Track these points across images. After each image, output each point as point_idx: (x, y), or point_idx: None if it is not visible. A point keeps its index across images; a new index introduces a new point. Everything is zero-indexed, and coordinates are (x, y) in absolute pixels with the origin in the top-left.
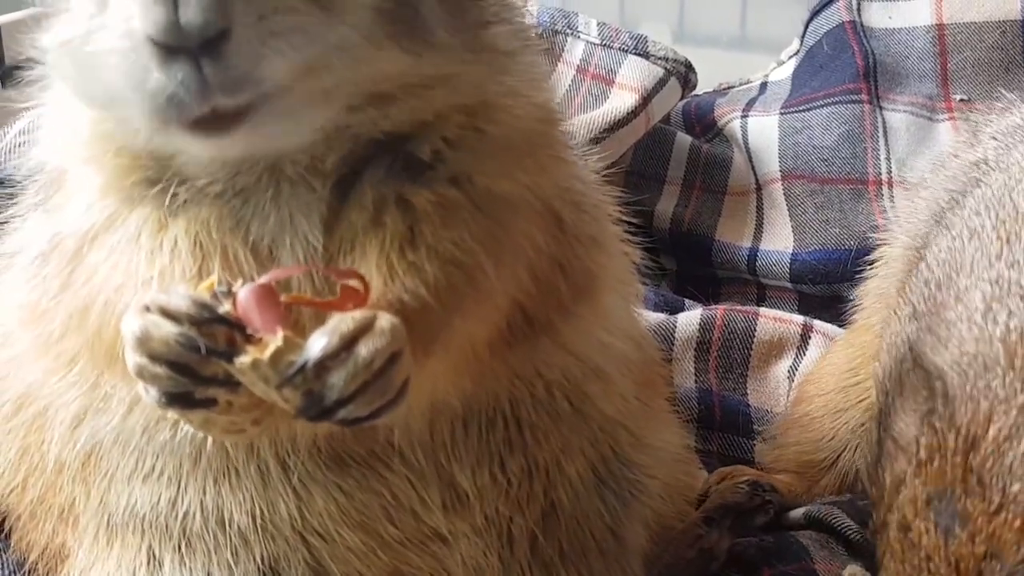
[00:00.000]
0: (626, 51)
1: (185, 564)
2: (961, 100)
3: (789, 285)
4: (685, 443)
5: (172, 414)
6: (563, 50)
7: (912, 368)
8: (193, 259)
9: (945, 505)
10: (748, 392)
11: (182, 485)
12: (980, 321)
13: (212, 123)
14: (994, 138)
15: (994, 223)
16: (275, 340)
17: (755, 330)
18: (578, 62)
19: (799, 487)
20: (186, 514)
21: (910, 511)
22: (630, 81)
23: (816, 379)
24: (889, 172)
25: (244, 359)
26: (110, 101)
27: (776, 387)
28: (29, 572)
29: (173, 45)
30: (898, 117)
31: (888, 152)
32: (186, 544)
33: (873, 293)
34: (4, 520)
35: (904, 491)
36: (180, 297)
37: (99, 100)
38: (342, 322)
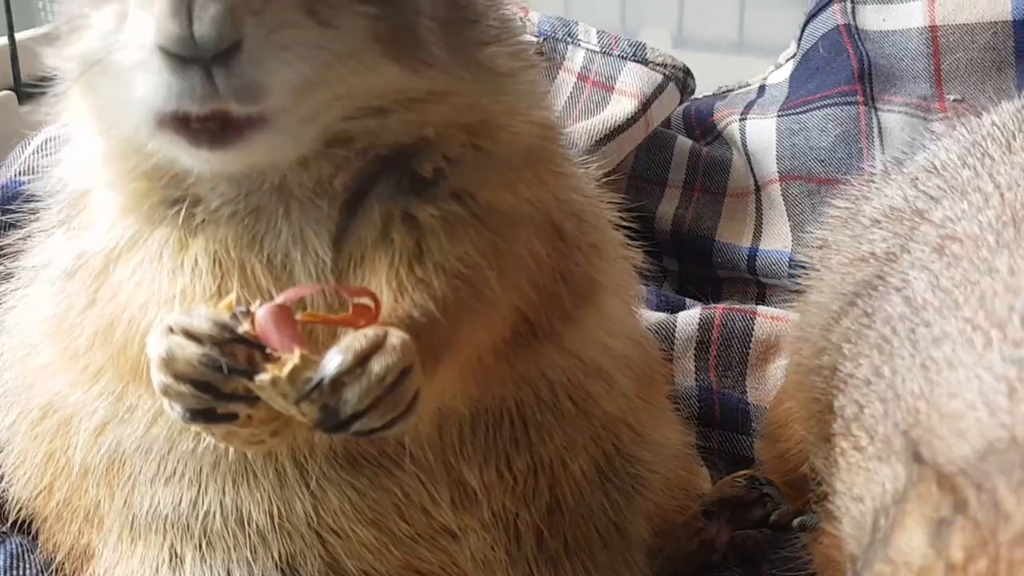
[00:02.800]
0: (625, 58)
1: (206, 562)
2: (955, 100)
3: (788, 284)
4: (685, 439)
5: (195, 428)
6: (564, 58)
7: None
8: (212, 277)
9: None
10: (747, 390)
11: (203, 487)
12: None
13: (212, 136)
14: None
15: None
16: (292, 358)
17: (753, 329)
18: (579, 70)
19: (793, 496)
20: (207, 514)
21: None
22: (629, 87)
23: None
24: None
25: (264, 377)
26: (122, 115)
27: (775, 385)
28: (56, 571)
29: (188, 56)
30: (893, 118)
31: (883, 152)
32: (207, 543)
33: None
34: (32, 521)
35: None
36: (202, 319)
37: (112, 115)
38: (355, 340)
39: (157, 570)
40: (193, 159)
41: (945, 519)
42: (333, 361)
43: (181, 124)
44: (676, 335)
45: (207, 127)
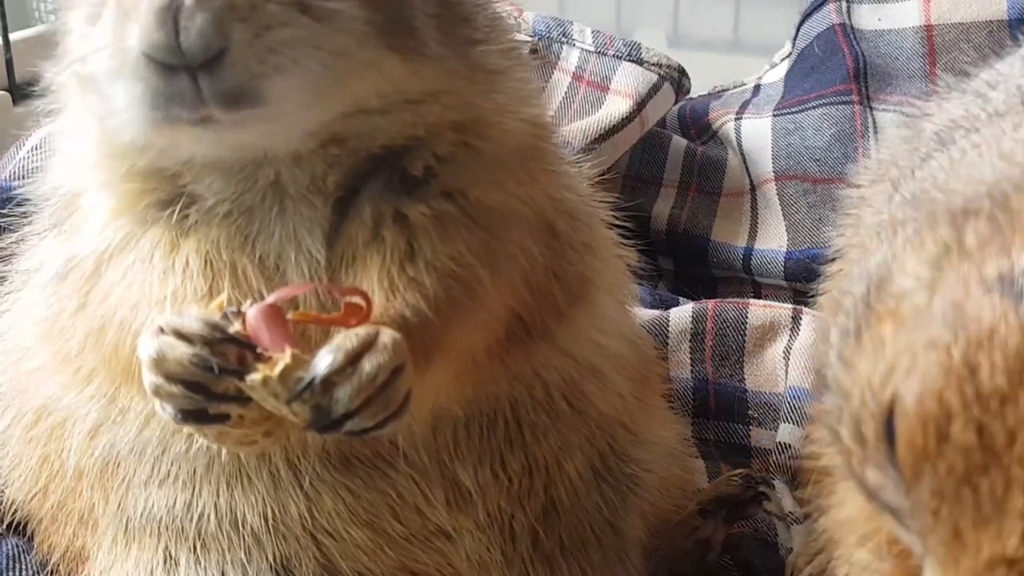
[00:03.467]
0: (620, 58)
1: (200, 564)
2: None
3: (784, 283)
4: (681, 438)
5: (187, 428)
6: (559, 58)
7: None
8: (204, 279)
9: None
10: (745, 377)
11: (196, 489)
12: None
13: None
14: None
15: None
16: (284, 358)
17: (747, 316)
18: (573, 69)
19: None
20: (201, 516)
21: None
22: (624, 87)
23: None
24: None
25: (255, 377)
26: (115, 120)
27: (774, 369)
28: (52, 573)
29: (174, 64)
30: (888, 117)
31: (879, 152)
32: (201, 545)
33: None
34: (27, 524)
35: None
36: (193, 319)
37: (104, 119)
38: (347, 339)
39: (152, 572)
40: (184, 140)
41: (958, 223)
42: (324, 360)
43: (169, 117)
44: (670, 329)
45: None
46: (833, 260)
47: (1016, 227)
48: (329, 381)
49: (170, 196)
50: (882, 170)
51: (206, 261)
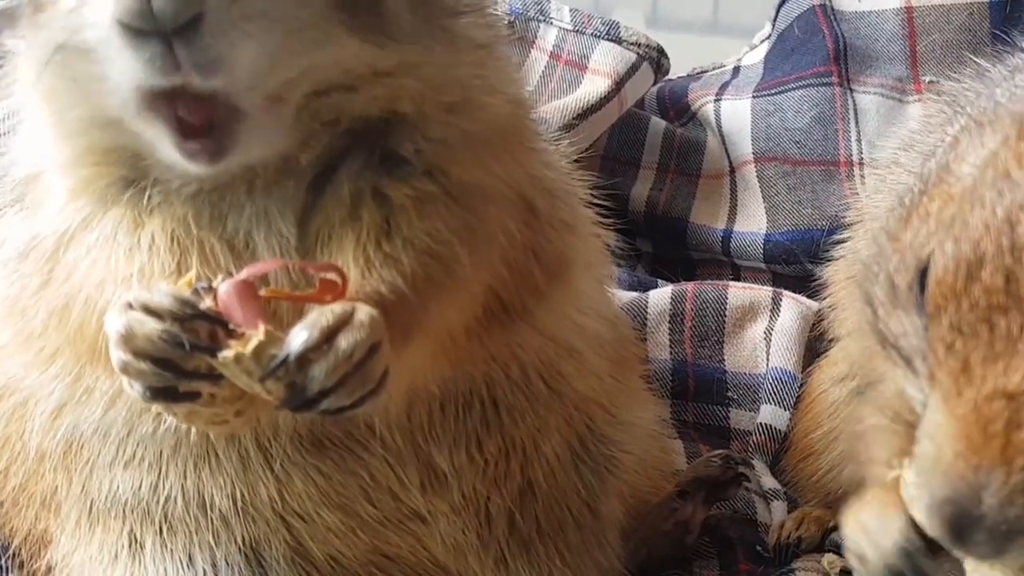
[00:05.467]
0: (598, 37)
1: (167, 547)
2: (930, 82)
3: (763, 266)
4: (660, 419)
5: (157, 407)
6: (536, 36)
7: None
8: (171, 255)
9: None
10: (725, 358)
11: (163, 471)
12: None
13: (210, 153)
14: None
15: None
16: (256, 334)
17: (727, 298)
18: (551, 48)
19: (834, 519)
20: (167, 499)
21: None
22: (603, 67)
23: (808, 407)
24: (860, 153)
25: (227, 353)
26: (96, 94)
27: (754, 350)
28: (13, 557)
29: (147, 30)
30: (868, 99)
31: (859, 134)
32: (168, 528)
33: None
34: None
35: None
36: (162, 294)
37: (79, 94)
38: (322, 315)
39: (116, 556)
40: (175, 161)
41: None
42: (299, 337)
43: (173, 119)
44: (648, 311)
45: (197, 128)
46: (849, 225)
47: None
48: (304, 358)
49: (133, 174)
50: (914, 138)
51: (173, 238)
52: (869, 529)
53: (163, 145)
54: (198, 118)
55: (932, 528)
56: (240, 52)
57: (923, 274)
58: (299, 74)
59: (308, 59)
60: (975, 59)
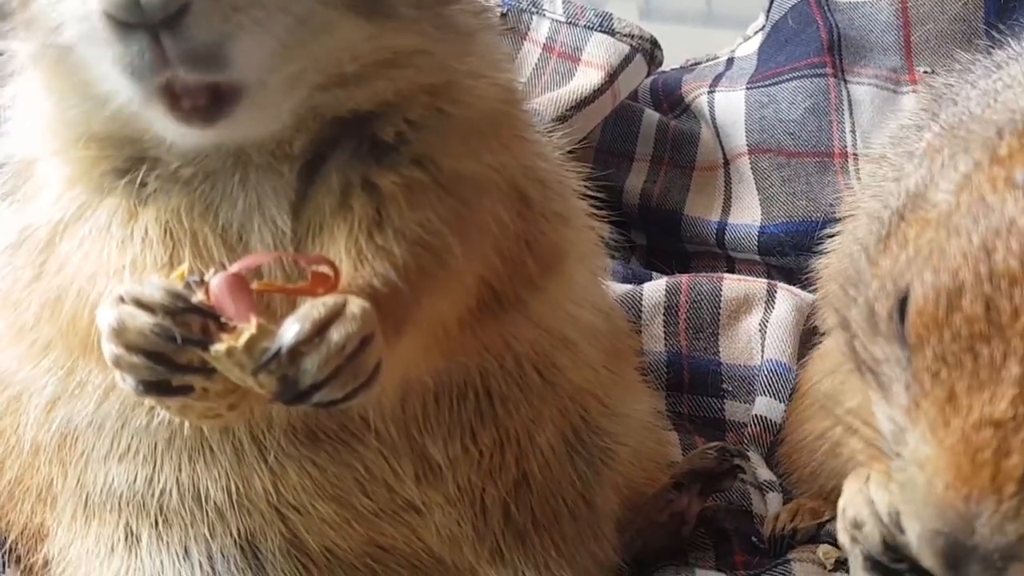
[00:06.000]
0: (591, 28)
1: (163, 539)
2: (924, 72)
3: (757, 258)
4: (655, 411)
5: (149, 401)
6: (529, 28)
7: None
8: (164, 247)
9: None
10: (720, 350)
11: (158, 464)
12: None
13: (194, 113)
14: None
15: None
16: (248, 328)
17: (721, 290)
18: (544, 40)
19: (829, 510)
20: (162, 491)
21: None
22: (596, 59)
23: (801, 401)
24: (854, 145)
25: (219, 347)
26: (82, 80)
27: (749, 341)
28: (9, 552)
29: (134, 23)
30: (863, 90)
31: (853, 125)
32: (163, 520)
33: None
34: None
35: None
36: (154, 288)
37: (66, 84)
38: (313, 308)
39: (112, 549)
40: (168, 131)
41: (991, 144)
42: (291, 330)
43: (172, 101)
44: (643, 303)
45: (196, 104)
46: (839, 219)
47: None
48: (296, 351)
49: (127, 163)
50: (903, 133)
51: (166, 230)
52: (871, 498)
53: (157, 117)
54: (193, 100)
55: (925, 559)
56: (231, 47)
57: (903, 303)
58: (306, 67)
59: (313, 50)
60: (963, 53)
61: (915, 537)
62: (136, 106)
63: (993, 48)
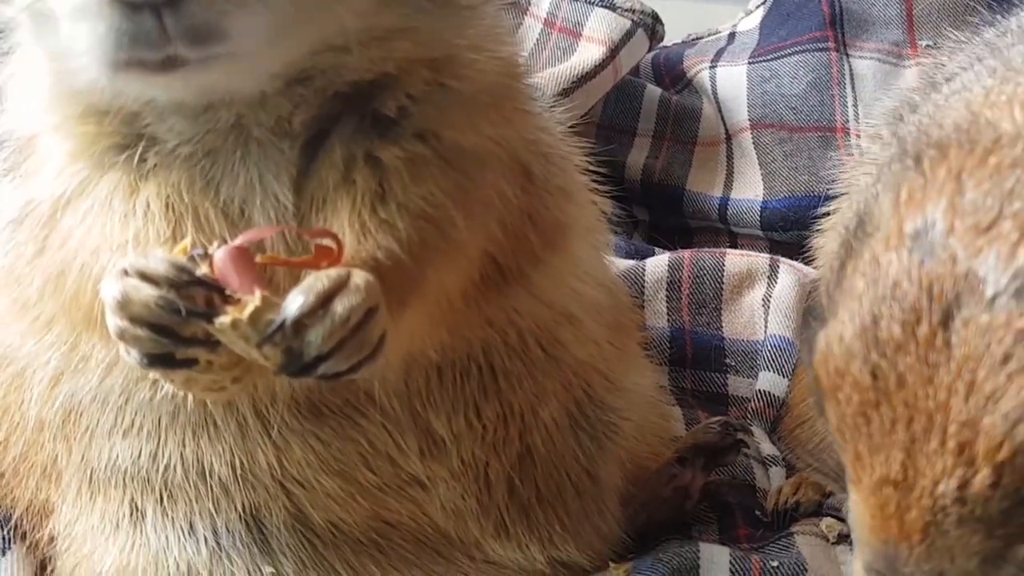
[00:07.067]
0: (592, 3)
1: (168, 515)
2: (927, 46)
3: (760, 233)
4: (658, 386)
5: (154, 374)
6: (530, 3)
7: None
8: (167, 222)
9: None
10: (723, 325)
11: (162, 439)
12: None
13: (167, 64)
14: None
15: None
16: (253, 300)
17: (724, 265)
18: (545, 15)
19: (832, 484)
20: (167, 467)
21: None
22: (597, 34)
23: (803, 374)
24: (856, 119)
25: (224, 319)
26: (75, 61)
27: (752, 316)
28: (15, 528)
29: (138, 2)
30: (865, 64)
31: (855, 99)
32: (168, 496)
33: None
34: None
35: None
36: (158, 260)
37: (64, 60)
38: (318, 280)
39: (118, 525)
40: (152, 87)
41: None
42: (295, 302)
43: (140, 67)
44: (646, 278)
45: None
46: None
47: (935, 183)
48: (300, 323)
49: (128, 139)
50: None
51: (167, 205)
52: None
53: (138, 84)
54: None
55: None
56: (236, 23)
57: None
58: (303, 38)
59: (312, 23)
60: (952, 32)
61: (861, 570)
62: (110, 81)
63: (995, 21)
